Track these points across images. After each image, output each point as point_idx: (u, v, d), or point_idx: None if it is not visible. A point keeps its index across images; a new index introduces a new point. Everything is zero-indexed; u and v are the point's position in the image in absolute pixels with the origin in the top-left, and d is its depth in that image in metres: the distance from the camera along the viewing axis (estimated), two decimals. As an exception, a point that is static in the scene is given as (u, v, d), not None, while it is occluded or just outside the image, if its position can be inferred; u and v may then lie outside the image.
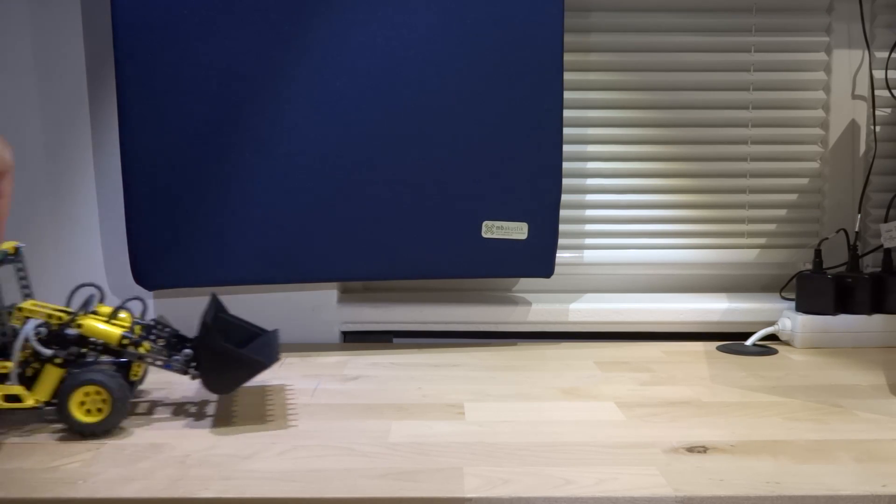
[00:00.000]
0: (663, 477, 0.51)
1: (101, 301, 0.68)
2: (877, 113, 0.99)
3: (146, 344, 0.63)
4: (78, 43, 0.89)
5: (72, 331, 0.61)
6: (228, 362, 0.62)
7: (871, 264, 0.99)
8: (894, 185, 0.99)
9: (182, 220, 0.83)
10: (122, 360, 0.64)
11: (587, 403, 0.68)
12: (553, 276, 0.88)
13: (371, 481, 0.51)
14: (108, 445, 0.58)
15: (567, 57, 0.86)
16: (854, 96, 1.01)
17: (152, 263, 0.84)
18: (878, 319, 0.89)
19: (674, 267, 1.03)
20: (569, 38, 0.89)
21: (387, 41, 0.81)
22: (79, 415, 0.59)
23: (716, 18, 0.99)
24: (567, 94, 0.86)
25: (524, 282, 1.01)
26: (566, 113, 0.87)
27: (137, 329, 0.64)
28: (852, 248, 0.92)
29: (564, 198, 0.87)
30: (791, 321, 0.90)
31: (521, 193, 0.85)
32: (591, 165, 1.01)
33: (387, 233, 0.84)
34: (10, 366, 0.60)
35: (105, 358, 0.64)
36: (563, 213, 0.87)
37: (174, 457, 0.55)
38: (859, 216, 0.96)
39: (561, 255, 0.91)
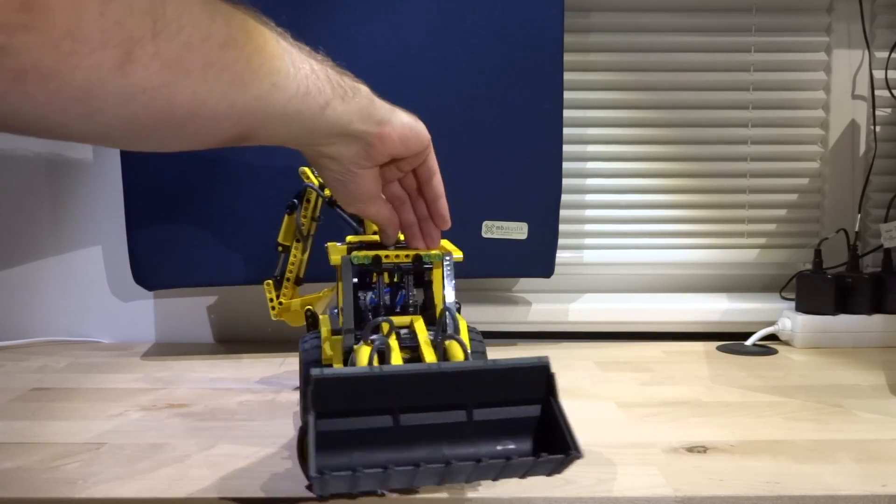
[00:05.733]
0: (663, 477, 0.51)
1: None
2: (877, 113, 0.99)
3: None
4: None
5: None
6: None
7: (871, 264, 0.99)
8: (894, 185, 0.99)
9: (181, 220, 0.83)
10: None
11: (587, 403, 0.68)
12: (553, 276, 0.88)
13: (371, 481, 0.51)
14: (109, 445, 0.57)
15: (567, 57, 0.86)
16: (854, 96, 1.01)
17: (152, 263, 0.84)
18: (878, 319, 0.89)
19: (674, 267, 1.03)
20: (569, 38, 0.89)
21: (387, 41, 0.81)
22: None
23: (716, 18, 0.99)
24: (567, 94, 0.86)
25: (524, 282, 1.01)
26: (566, 113, 0.87)
27: None
28: (852, 248, 0.92)
29: (564, 198, 0.87)
30: (791, 321, 0.90)
31: (521, 193, 0.85)
32: (591, 165, 1.01)
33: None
34: None
35: None
36: (563, 213, 0.87)
37: (174, 457, 0.55)
38: (859, 216, 0.96)
39: (561, 255, 0.91)
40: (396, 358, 0.46)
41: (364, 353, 0.46)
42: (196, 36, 0.36)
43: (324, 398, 0.39)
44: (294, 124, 0.44)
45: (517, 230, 0.85)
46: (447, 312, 0.51)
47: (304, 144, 0.48)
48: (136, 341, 0.95)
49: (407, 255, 0.54)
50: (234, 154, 0.81)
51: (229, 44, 0.38)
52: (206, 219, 0.83)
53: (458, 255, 0.56)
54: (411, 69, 0.82)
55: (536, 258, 0.87)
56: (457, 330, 0.51)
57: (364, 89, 0.49)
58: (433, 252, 0.55)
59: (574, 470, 0.52)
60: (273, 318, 0.72)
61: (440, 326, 0.50)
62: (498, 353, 0.87)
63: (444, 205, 0.56)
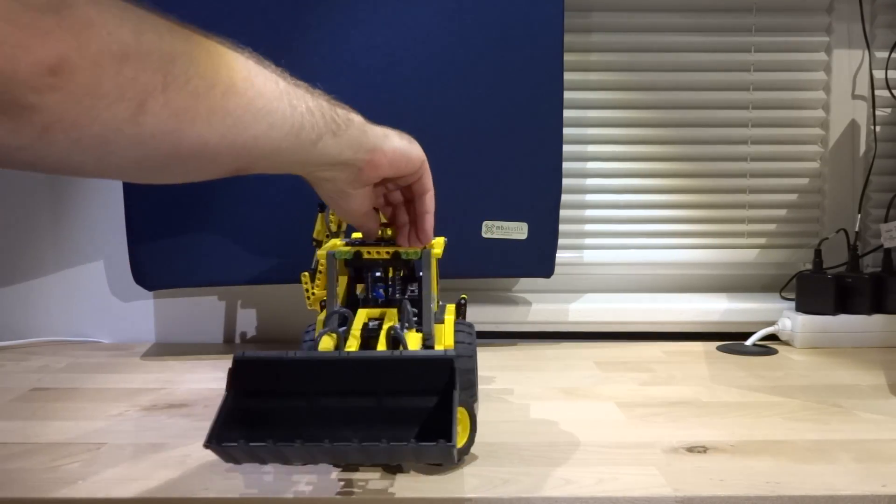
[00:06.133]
0: (663, 477, 0.51)
1: None
2: (877, 113, 0.99)
3: None
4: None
5: None
6: None
7: (871, 264, 0.99)
8: (894, 185, 0.99)
9: (181, 220, 0.83)
10: None
11: (587, 403, 0.68)
12: (553, 276, 0.88)
13: (371, 481, 0.51)
14: (108, 445, 0.58)
15: (567, 57, 0.86)
16: (854, 96, 1.01)
17: (152, 263, 0.84)
18: (878, 319, 0.89)
19: (674, 267, 1.03)
20: (569, 38, 0.89)
21: (387, 41, 0.81)
22: None
23: (716, 18, 0.99)
24: (567, 94, 0.86)
25: (524, 282, 1.01)
26: (566, 113, 0.87)
27: None
28: (852, 248, 0.92)
29: (564, 198, 0.87)
30: (791, 321, 0.90)
31: (521, 193, 0.85)
32: (591, 165, 1.01)
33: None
34: None
35: None
36: (563, 213, 0.87)
37: (174, 457, 0.55)
38: (859, 216, 0.96)
39: (561, 255, 0.91)
40: (351, 346, 0.50)
41: (322, 341, 0.50)
42: (202, 86, 0.39)
43: (241, 378, 0.43)
44: (288, 157, 0.48)
45: (517, 230, 0.85)
46: (406, 305, 0.55)
47: (298, 172, 0.52)
48: (136, 341, 0.95)
49: (388, 252, 0.58)
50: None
51: (231, 90, 0.41)
52: (206, 219, 0.83)
53: (437, 251, 0.59)
54: (411, 69, 0.82)
55: (536, 258, 0.87)
56: (432, 322, 0.56)
57: (357, 120, 0.52)
58: (411, 249, 0.58)
59: (574, 470, 0.52)
60: (308, 308, 0.75)
61: (403, 318, 0.54)
62: (498, 353, 0.88)
63: (429, 221, 0.59)
